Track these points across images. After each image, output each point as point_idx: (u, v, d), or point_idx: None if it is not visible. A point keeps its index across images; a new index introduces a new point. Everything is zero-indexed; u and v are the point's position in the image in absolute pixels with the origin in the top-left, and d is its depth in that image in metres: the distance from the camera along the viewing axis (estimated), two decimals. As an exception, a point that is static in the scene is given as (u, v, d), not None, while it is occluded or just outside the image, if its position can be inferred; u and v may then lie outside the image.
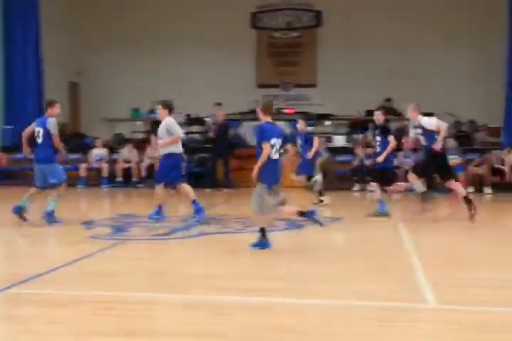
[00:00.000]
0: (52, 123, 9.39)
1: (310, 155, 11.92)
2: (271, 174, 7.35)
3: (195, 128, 18.28)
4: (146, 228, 9.10)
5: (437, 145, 9.50)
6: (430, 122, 9.73)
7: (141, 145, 16.88)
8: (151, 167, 16.09)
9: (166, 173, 9.51)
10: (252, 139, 16.76)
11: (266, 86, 20.94)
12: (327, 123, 18.40)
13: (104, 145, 17.10)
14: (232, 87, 19.81)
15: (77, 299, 5.17)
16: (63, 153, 9.86)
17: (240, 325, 4.49)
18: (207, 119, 17.49)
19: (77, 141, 17.93)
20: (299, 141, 12.26)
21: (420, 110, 10.03)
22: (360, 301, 5.11)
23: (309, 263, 6.73)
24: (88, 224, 9.42)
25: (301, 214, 7.39)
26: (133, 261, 6.87)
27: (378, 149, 10.38)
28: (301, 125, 12.39)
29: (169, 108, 9.58)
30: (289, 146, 8.09)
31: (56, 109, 9.44)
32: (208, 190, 14.96)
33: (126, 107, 19.39)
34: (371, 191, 11.75)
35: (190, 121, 18.38)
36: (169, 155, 9.47)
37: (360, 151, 15.62)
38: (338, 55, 20.37)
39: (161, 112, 9.63)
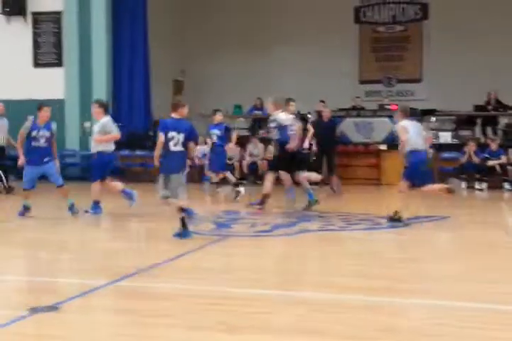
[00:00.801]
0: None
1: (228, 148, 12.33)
2: (166, 165, 7.78)
3: (298, 125, 18.14)
4: (249, 225, 9.11)
5: (291, 145, 10.04)
6: (284, 118, 10.15)
7: (244, 142, 16.95)
8: (253, 164, 16.15)
9: (100, 171, 9.90)
10: (354, 136, 16.53)
11: (368, 82, 20.58)
12: (432, 119, 17.81)
13: (207, 143, 17.27)
14: (334, 83, 19.60)
15: (184, 293, 5.25)
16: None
17: (348, 324, 4.39)
18: (309, 116, 17.35)
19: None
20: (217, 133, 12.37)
21: (281, 105, 10.46)
22: (476, 303, 4.86)
23: (420, 263, 6.53)
24: (191, 219, 9.52)
25: (182, 210, 7.66)
26: (236, 257, 6.89)
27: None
28: (216, 117, 12.31)
29: (104, 107, 10.00)
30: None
31: (44, 113, 9.50)
32: (312, 187, 14.80)
33: (228, 104, 19.54)
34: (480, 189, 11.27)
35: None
36: (100, 153, 9.84)
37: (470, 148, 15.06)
38: (445, 49, 19.71)
39: (96, 112, 9.93)
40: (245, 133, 18.44)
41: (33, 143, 9.36)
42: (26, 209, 9.59)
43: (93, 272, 6.16)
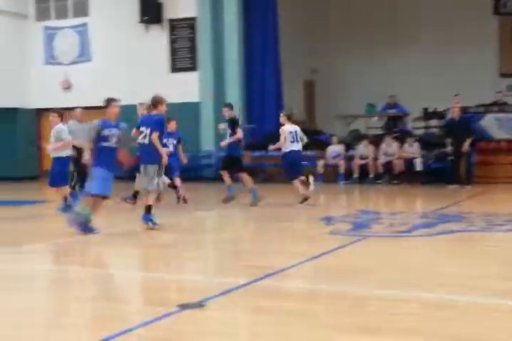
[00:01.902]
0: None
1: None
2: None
3: (432, 122, 17.62)
4: (387, 225, 8.90)
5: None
6: None
7: (377, 141, 16.65)
8: (388, 163, 15.84)
9: (59, 177, 10.28)
10: (496, 132, 15.77)
11: (510, 75, 19.56)
12: None
13: (341, 142, 17.16)
14: (472, 78, 18.81)
15: (324, 293, 5.20)
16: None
17: (497, 329, 4.13)
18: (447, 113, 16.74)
19: (313, 138, 18.20)
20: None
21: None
22: None
23: None
24: (328, 219, 9.47)
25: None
26: (374, 257, 6.73)
27: None
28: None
29: (61, 116, 10.50)
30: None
31: (113, 109, 8.71)
32: (451, 187, 14.32)
33: (361, 103, 19.28)
34: None
35: (427, 115, 17.74)
36: (59, 159, 10.27)
37: None
38: None
39: (53, 119, 10.42)
40: (379, 132, 18.12)
41: (104, 144, 8.36)
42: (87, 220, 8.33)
43: (234, 271, 6.25)
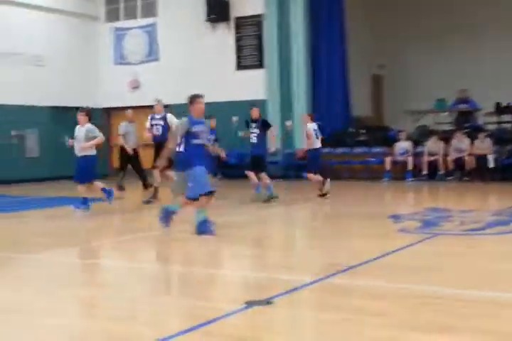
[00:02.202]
0: None
1: None
2: None
3: (505, 117, 17.11)
4: (458, 223, 8.68)
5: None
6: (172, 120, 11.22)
7: (447, 137, 16.27)
8: (458, 160, 15.47)
9: (86, 173, 10.53)
10: None
11: None
12: None
13: (409, 138, 16.86)
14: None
15: (394, 291, 5.11)
16: None
17: None
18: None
19: (381, 134, 17.97)
20: None
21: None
22: None
23: None
24: (396, 217, 9.31)
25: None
26: (444, 256, 6.58)
27: None
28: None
29: (89, 115, 10.74)
30: None
31: (198, 105, 8.31)
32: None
33: (430, 98, 18.88)
34: None
35: (499, 109, 17.23)
36: (86, 157, 10.53)
37: None
38: None
39: (81, 118, 10.66)
40: (448, 127, 17.72)
41: (195, 141, 8.03)
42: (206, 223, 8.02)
43: (301, 268, 6.21)
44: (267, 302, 4.74)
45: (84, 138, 10.63)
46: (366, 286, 5.32)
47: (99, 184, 10.80)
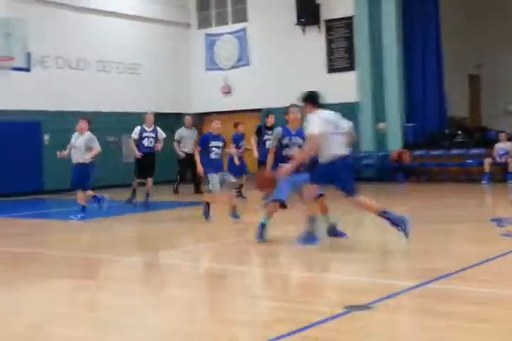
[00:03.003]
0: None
1: None
2: None
3: None
4: None
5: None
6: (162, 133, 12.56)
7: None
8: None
9: (82, 181, 10.64)
10: None
11: None
12: None
13: (509, 139, 16.18)
14: None
15: (501, 298, 4.88)
16: None
17: None
18: None
19: (480, 135, 17.36)
20: None
21: None
22: None
23: None
24: (498, 221, 8.92)
25: None
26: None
27: None
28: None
29: (89, 123, 10.86)
30: None
31: (294, 115, 7.99)
32: None
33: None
34: None
35: None
36: (85, 165, 10.65)
37: None
38: None
39: (83, 126, 10.79)
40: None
41: (284, 152, 7.86)
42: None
43: (402, 273, 6.06)
44: (368, 307, 4.61)
45: (84, 147, 10.77)
46: (471, 292, 5.09)
47: (90, 192, 10.92)
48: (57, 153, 11.08)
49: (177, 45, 20.40)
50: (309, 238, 7.25)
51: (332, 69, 18.57)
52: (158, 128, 12.73)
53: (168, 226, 10.03)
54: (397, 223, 6.96)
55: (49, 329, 4.52)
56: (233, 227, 9.54)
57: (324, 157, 7.09)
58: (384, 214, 7.01)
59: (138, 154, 12.41)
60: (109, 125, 17.07)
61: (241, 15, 19.99)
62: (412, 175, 16.91)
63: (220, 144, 10.09)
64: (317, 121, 7.08)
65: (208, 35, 20.55)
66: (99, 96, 17.82)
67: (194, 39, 20.74)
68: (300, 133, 7.83)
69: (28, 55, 15.00)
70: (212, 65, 20.51)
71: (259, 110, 19.21)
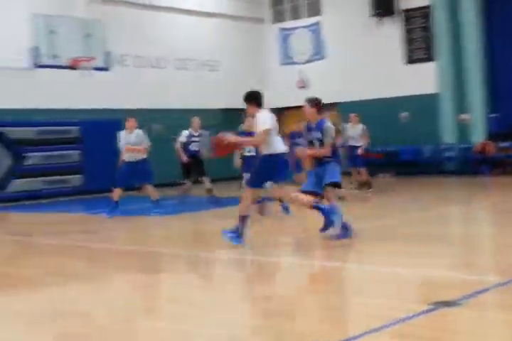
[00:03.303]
0: None
1: None
2: None
3: None
4: None
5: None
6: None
7: None
8: None
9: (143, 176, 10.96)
10: None
11: None
12: None
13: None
14: None
15: None
16: None
17: None
18: None
19: None
20: None
21: None
22: None
23: None
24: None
25: None
26: None
27: None
28: None
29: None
30: None
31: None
32: None
33: None
34: None
35: None
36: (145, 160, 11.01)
37: None
38: None
39: (133, 124, 11.13)
40: None
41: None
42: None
43: (488, 268, 5.85)
44: (455, 303, 4.44)
45: (138, 143, 10.97)
46: None
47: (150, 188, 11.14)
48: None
49: (251, 40, 20.44)
50: (236, 235, 7.29)
51: (410, 60, 18.17)
52: (203, 133, 12.70)
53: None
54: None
55: (135, 323, 4.58)
56: (310, 221, 9.46)
57: (267, 151, 7.36)
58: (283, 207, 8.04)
59: (185, 159, 12.27)
60: (185, 122, 17.24)
61: (315, 9, 19.82)
62: (497, 167, 16.34)
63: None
64: (268, 118, 7.48)
65: (282, 29, 20.49)
66: (178, 93, 18.06)
67: (268, 34, 20.72)
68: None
69: (108, 54, 15.34)
70: (286, 59, 20.44)
71: (334, 104, 19.02)
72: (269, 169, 7.31)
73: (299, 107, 19.02)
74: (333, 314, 4.58)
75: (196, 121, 12.66)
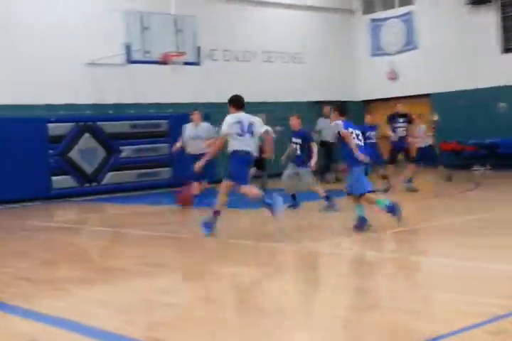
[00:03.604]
0: None
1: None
2: None
3: None
4: None
5: None
6: None
7: None
8: None
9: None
10: None
11: None
12: None
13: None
14: None
15: None
16: None
17: None
18: None
19: None
20: None
21: None
22: None
23: None
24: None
25: None
26: None
27: None
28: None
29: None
30: None
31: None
32: None
33: None
34: None
35: None
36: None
37: None
38: None
39: (198, 117, 11.20)
40: None
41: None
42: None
43: None
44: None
45: (202, 137, 10.95)
46: None
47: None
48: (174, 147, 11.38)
49: (340, 32, 20.21)
50: (206, 225, 8.03)
51: (506, 49, 17.46)
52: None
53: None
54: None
55: (227, 315, 4.59)
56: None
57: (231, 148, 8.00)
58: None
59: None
60: (276, 114, 17.27)
61: (407, -2, 19.37)
62: None
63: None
64: (226, 123, 7.96)
65: (372, 20, 20.13)
66: (264, 86, 18.09)
67: (358, 25, 20.42)
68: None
69: (198, 49, 15.54)
70: (377, 50, 20.07)
71: (426, 95, 18.53)
72: (238, 164, 7.93)
73: (389, 99, 18.79)
74: (427, 309, 4.45)
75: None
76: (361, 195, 7.82)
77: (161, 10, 14.85)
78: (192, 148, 11.11)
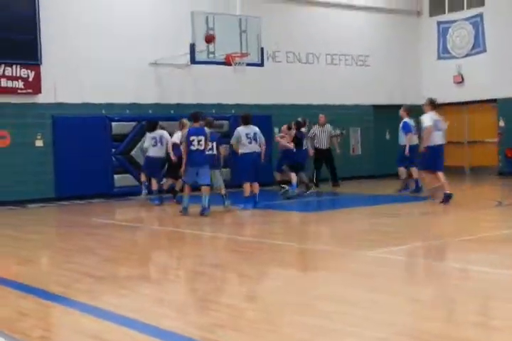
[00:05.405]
0: None
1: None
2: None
3: None
4: None
5: None
6: None
7: None
8: None
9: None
10: None
11: None
12: None
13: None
14: None
15: None
16: None
17: None
18: None
19: None
20: None
21: None
22: None
23: None
24: None
25: None
26: None
27: None
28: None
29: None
30: None
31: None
32: None
33: None
34: None
35: None
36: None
37: None
38: None
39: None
40: None
41: None
42: None
43: None
44: None
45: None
46: None
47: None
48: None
49: (406, 34, 19.85)
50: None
51: None
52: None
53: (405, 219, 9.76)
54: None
55: (284, 318, 4.55)
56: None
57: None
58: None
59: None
60: (336, 117, 17.11)
61: (477, 0, 18.86)
62: None
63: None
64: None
65: (440, 22, 19.70)
66: (327, 89, 17.96)
67: (425, 27, 20.02)
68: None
69: (261, 50, 15.51)
70: (444, 53, 19.64)
71: (494, 100, 18.03)
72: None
73: (455, 104, 18.35)
74: (492, 320, 4.29)
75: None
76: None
77: (226, 11, 14.91)
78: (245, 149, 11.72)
